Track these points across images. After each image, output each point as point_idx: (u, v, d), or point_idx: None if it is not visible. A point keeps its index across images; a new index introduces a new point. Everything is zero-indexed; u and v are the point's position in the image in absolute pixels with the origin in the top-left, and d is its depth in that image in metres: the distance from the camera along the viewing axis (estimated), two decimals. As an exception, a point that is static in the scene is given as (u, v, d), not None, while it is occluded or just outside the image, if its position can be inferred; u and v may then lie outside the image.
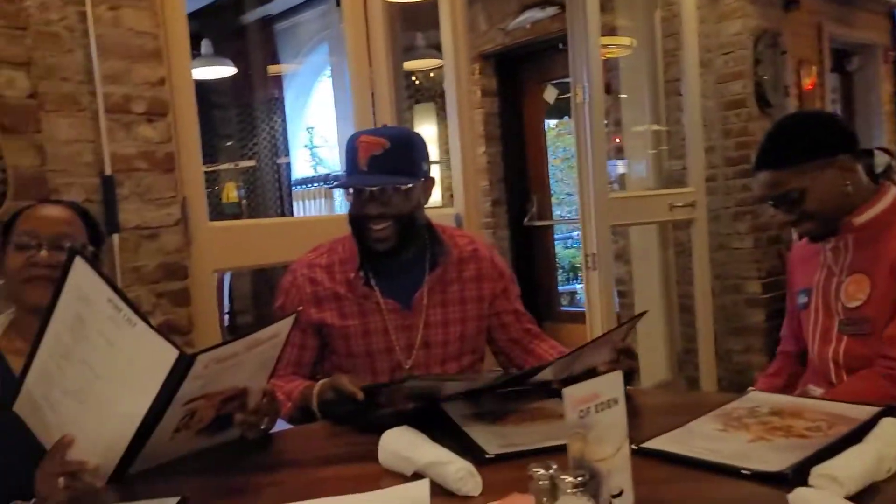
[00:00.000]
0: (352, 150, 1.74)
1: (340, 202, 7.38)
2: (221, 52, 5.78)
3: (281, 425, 1.60)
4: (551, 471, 0.90)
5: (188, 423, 1.35)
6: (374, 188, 1.72)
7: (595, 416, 0.94)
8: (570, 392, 0.92)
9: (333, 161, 9.05)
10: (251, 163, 7.74)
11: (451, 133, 2.65)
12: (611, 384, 0.97)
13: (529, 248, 5.83)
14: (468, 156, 2.63)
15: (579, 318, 5.14)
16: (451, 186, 2.88)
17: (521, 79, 5.78)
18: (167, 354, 1.20)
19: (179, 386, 1.24)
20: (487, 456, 1.27)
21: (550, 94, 5.53)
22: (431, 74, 5.95)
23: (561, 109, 5.55)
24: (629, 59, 4.40)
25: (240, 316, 6.88)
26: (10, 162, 1.92)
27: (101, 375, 1.25)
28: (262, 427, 1.49)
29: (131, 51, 2.26)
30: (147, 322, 1.21)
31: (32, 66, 2.01)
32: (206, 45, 5.52)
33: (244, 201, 7.82)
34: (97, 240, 1.63)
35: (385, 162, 1.70)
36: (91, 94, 2.18)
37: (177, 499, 1.21)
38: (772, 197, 1.76)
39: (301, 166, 8.10)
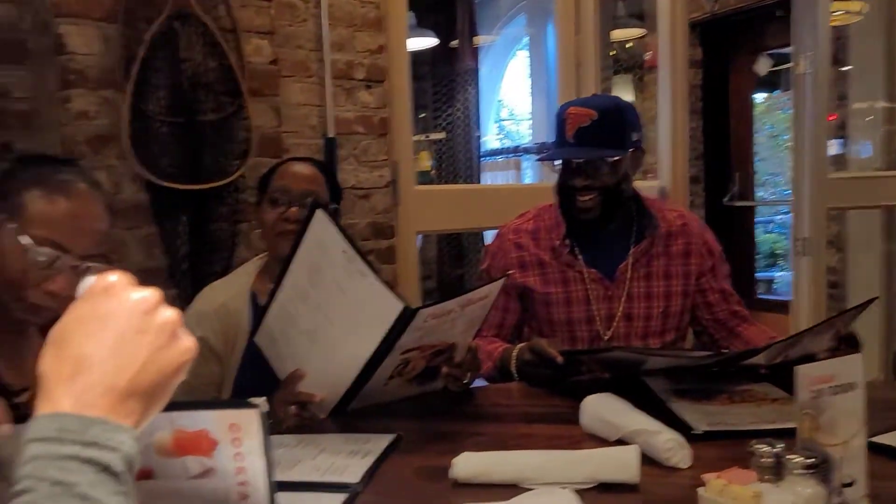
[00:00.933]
0: (560, 122, 1.74)
1: (530, 174, 7.40)
2: (424, 24, 5.97)
3: (478, 383, 1.67)
4: (776, 449, 0.86)
5: (401, 371, 1.44)
6: (580, 160, 1.72)
7: (829, 398, 0.89)
8: (804, 371, 0.88)
9: (521, 134, 9.10)
10: (441, 135, 7.96)
11: (661, 104, 2.56)
12: (849, 367, 0.91)
13: (727, 230, 5.51)
14: (678, 128, 2.54)
15: (777, 307, 4.82)
16: (646, 160, 2.79)
17: (728, 49, 5.43)
18: (393, 306, 1.28)
19: (400, 336, 1.32)
20: (694, 432, 1.24)
21: (763, 66, 5.16)
22: (628, 45, 5.75)
23: (772, 82, 5.17)
24: (859, 27, 3.99)
25: (426, 281, 7.14)
26: (254, 122, 2.14)
27: (332, 320, 1.36)
28: (465, 381, 1.56)
29: (355, 20, 2.40)
30: (376, 275, 1.29)
31: (274, 34, 2.21)
32: (410, 17, 5.72)
33: (433, 172, 8.08)
34: (336, 196, 1.76)
35: (592, 134, 1.69)
36: (319, 61, 2.35)
37: (392, 436, 1.31)
38: None
39: (490, 138, 8.22)
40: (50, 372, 0.55)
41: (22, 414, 1.14)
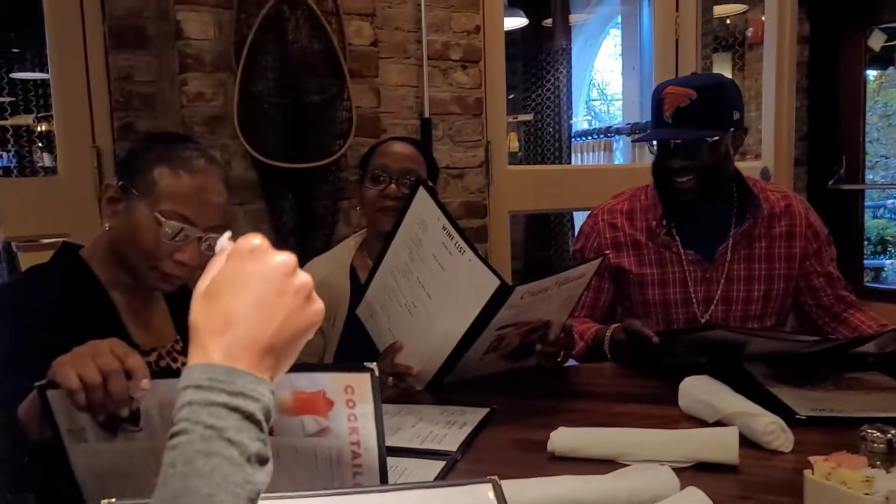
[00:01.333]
0: (657, 102, 1.72)
1: (622, 156, 7.26)
2: (514, 4, 5.91)
3: (569, 363, 1.68)
4: (889, 435, 0.85)
5: (496, 347, 1.47)
6: (677, 141, 1.69)
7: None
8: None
9: (611, 114, 8.91)
10: (528, 116, 7.90)
11: (766, 81, 2.47)
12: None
13: (832, 214, 5.24)
14: (783, 107, 2.45)
15: (886, 296, 4.57)
16: (746, 141, 2.69)
17: (839, 23, 5.15)
18: (490, 282, 1.30)
19: (496, 312, 1.34)
20: (798, 417, 1.22)
21: (876, 40, 4.87)
22: (728, 21, 5.53)
23: (886, 58, 4.87)
24: None
25: (513, 262, 7.13)
26: (354, 102, 2.20)
27: (431, 294, 1.40)
28: (558, 360, 1.58)
29: (452, 1, 2.42)
30: (475, 251, 1.32)
31: (374, 16, 2.26)
32: (503, -3, 5.67)
33: (520, 153, 8.03)
34: (433, 175, 1.80)
35: (691, 114, 1.65)
36: (417, 42, 2.39)
37: (487, 409, 1.35)
38: None
39: (578, 119, 8.09)
40: (202, 323, 0.60)
41: (152, 372, 1.24)
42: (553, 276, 1.39)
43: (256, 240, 0.63)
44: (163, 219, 1.22)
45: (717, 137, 1.66)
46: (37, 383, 0.89)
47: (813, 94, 5.18)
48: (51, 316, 1.15)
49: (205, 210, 1.25)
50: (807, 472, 0.87)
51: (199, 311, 0.61)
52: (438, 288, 1.38)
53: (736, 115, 1.71)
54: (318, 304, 0.66)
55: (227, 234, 0.69)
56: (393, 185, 1.69)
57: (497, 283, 1.30)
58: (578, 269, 1.45)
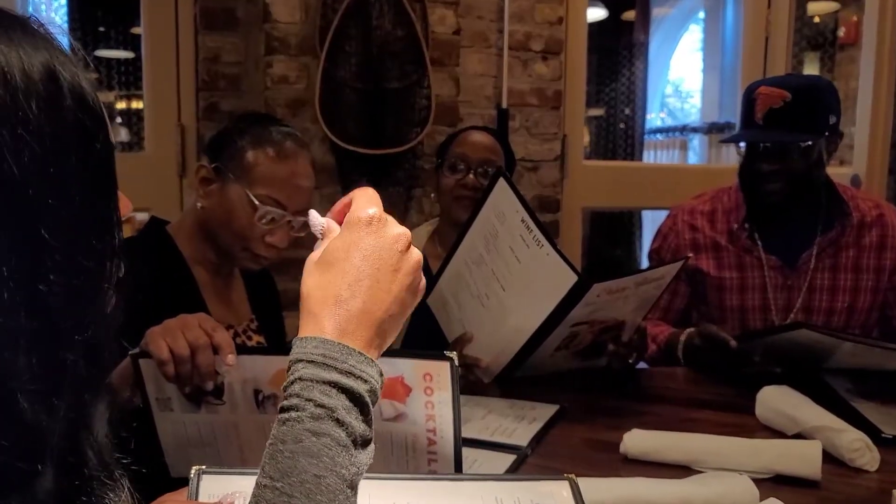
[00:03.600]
0: (748, 102, 1.66)
1: (696, 155, 7.07)
2: (592, -4, 5.82)
3: (640, 366, 1.65)
4: None
5: (568, 344, 1.46)
6: (768, 144, 1.63)
7: None
8: None
9: (687, 112, 8.69)
10: (599, 111, 7.78)
11: (863, 84, 2.37)
12: None
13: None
14: (880, 112, 2.34)
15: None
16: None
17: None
18: (567, 278, 1.28)
19: (571, 308, 1.32)
20: (884, 436, 1.18)
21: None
22: (816, 20, 5.32)
23: None
24: None
25: (581, 259, 7.03)
26: (434, 90, 2.20)
27: (505, 286, 1.39)
28: (630, 361, 1.56)
29: (537, -10, 2.40)
30: (553, 245, 1.30)
31: (458, 4, 2.26)
32: (584, -11, 5.59)
33: (589, 148, 7.90)
34: (511, 167, 1.80)
35: (784, 116, 1.59)
36: (499, 31, 2.37)
37: (557, 406, 1.34)
38: None
39: (651, 116, 7.91)
40: (315, 293, 0.59)
41: (237, 348, 1.27)
42: (632, 276, 1.36)
43: (373, 209, 0.62)
44: (258, 203, 1.25)
45: (809, 143, 1.60)
46: (130, 352, 0.92)
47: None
48: (138, 287, 1.19)
49: (296, 195, 1.29)
50: (895, 493, 0.84)
51: (312, 281, 0.59)
52: (513, 281, 1.36)
53: (832, 120, 1.63)
54: (423, 283, 0.64)
55: (313, 213, 0.68)
56: (471, 176, 1.69)
57: (575, 278, 1.28)
58: (659, 271, 1.42)
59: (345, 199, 0.66)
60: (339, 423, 0.54)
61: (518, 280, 1.36)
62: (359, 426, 0.55)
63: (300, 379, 0.55)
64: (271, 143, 1.29)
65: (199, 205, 1.32)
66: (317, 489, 0.51)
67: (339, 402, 0.55)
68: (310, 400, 0.54)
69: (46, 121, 0.44)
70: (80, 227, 0.46)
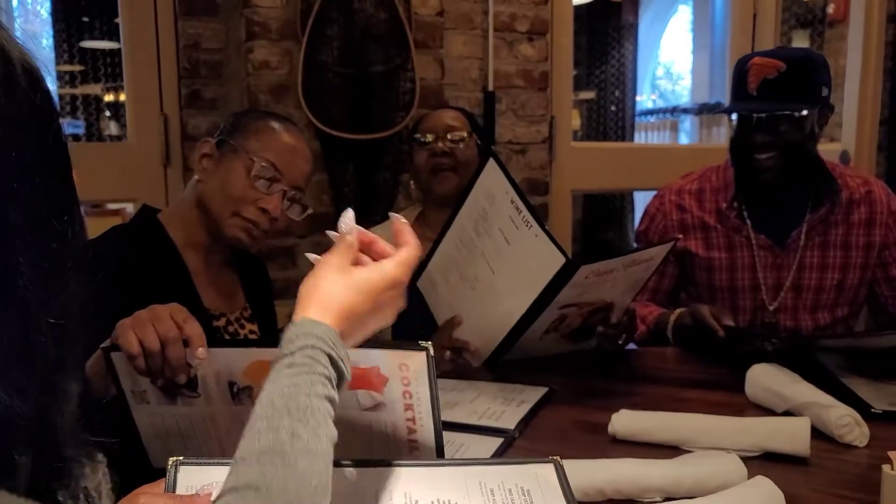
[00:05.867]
0: (741, 73, 1.64)
1: (687, 136, 7.06)
2: (582, -25, 5.76)
3: (629, 346, 1.64)
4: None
5: (557, 327, 1.44)
6: (762, 115, 1.61)
7: None
8: None
9: (677, 93, 8.66)
10: (591, 94, 7.75)
11: (851, 60, 2.35)
12: None
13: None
14: (868, 88, 2.32)
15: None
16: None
17: (927, 2, 4.87)
18: (555, 259, 1.27)
19: (559, 290, 1.31)
20: (873, 411, 1.17)
21: (967, 21, 4.59)
22: (804, -3, 5.29)
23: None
24: None
25: (572, 243, 7.03)
26: (418, 74, 2.18)
27: (494, 269, 1.37)
28: (619, 342, 1.55)
29: (520, -31, 2.37)
30: (542, 226, 1.28)
31: (440, -14, 2.23)
32: (571, -31, 5.55)
33: (581, 131, 7.88)
34: (480, 136, 1.80)
35: (778, 86, 1.57)
36: (483, 13, 2.35)
37: (546, 389, 1.33)
38: None
39: (642, 98, 7.89)
40: (341, 308, 0.70)
41: (219, 337, 1.26)
42: (620, 258, 1.35)
43: (401, 272, 0.76)
44: (255, 158, 1.28)
45: (804, 112, 1.58)
46: (102, 345, 0.90)
47: None
48: (127, 274, 1.18)
49: (293, 168, 1.32)
50: (885, 468, 0.83)
51: (338, 291, 0.71)
52: (503, 263, 1.35)
53: (824, 92, 1.62)
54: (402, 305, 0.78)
55: (350, 214, 0.79)
56: (439, 144, 1.70)
57: (562, 260, 1.26)
58: (647, 252, 1.41)
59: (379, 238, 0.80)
60: (331, 383, 0.66)
61: (507, 262, 1.34)
62: (335, 394, 0.67)
63: (312, 346, 0.65)
64: (275, 118, 1.36)
65: (195, 178, 1.33)
66: (323, 423, 0.62)
67: (332, 371, 0.66)
68: (318, 362, 0.65)
69: (5, 103, 0.42)
70: (43, 208, 0.45)
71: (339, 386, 0.67)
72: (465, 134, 1.72)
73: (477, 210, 1.36)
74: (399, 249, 0.78)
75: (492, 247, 1.35)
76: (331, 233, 0.78)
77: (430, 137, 1.72)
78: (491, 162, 1.33)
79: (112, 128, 5.47)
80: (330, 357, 0.66)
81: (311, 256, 0.78)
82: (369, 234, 0.79)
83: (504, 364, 1.46)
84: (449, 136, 1.71)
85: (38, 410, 0.43)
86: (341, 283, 0.71)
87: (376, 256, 0.78)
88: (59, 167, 0.48)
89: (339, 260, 0.74)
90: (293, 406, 0.61)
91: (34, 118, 0.45)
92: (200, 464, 0.76)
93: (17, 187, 0.42)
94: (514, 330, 1.39)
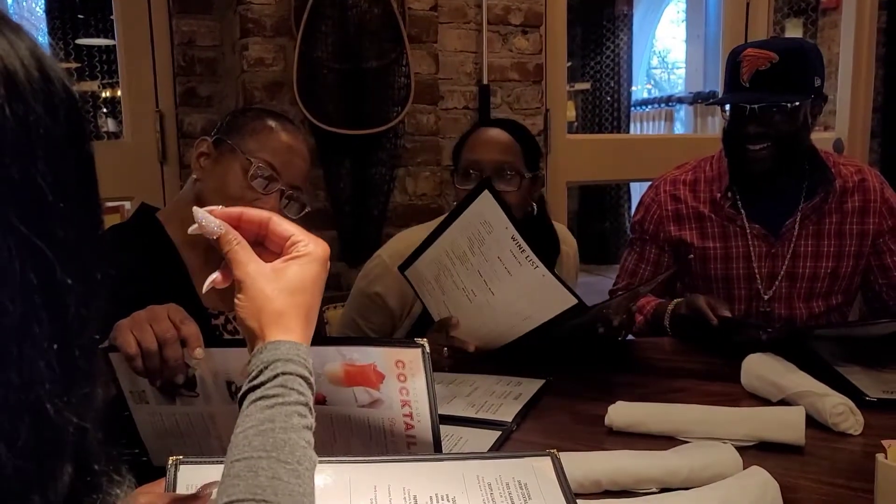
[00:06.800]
0: (733, 65, 1.64)
1: (683, 126, 7.07)
2: (576, -33, 5.76)
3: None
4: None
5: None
6: (754, 106, 1.62)
7: None
8: None
9: (672, 83, 8.67)
10: (586, 85, 7.73)
11: (844, 48, 2.36)
12: None
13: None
14: (861, 76, 2.33)
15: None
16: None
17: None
18: (566, 299, 1.26)
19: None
20: (868, 399, 1.18)
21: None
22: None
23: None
24: None
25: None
26: (413, 69, 2.18)
27: (495, 291, 1.34)
28: (619, 338, 1.56)
29: (513, -37, 2.37)
30: (547, 267, 1.26)
31: (434, -20, 2.23)
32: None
33: (577, 122, 7.88)
34: (534, 161, 1.65)
35: (771, 78, 1.58)
36: (477, 6, 2.35)
37: (543, 380, 1.34)
38: None
39: (638, 88, 7.88)
40: (290, 311, 0.68)
41: (217, 335, 1.26)
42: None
43: (326, 247, 0.72)
44: (252, 159, 1.26)
45: (797, 103, 1.59)
46: (101, 346, 0.91)
47: (889, 63, 4.94)
48: (126, 273, 1.18)
49: (291, 167, 1.30)
50: (879, 457, 0.84)
51: (283, 299, 0.68)
52: (504, 289, 1.32)
53: (817, 82, 1.62)
54: None
55: (201, 213, 0.73)
56: None
57: (574, 301, 1.25)
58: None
59: (244, 214, 0.73)
60: (309, 410, 0.64)
61: (509, 290, 1.31)
62: (313, 419, 0.65)
63: (283, 373, 0.64)
64: (274, 117, 1.33)
65: (193, 177, 1.32)
66: (304, 458, 0.61)
67: (308, 393, 0.65)
68: (293, 389, 0.64)
69: (49, 120, 0.43)
70: (82, 223, 0.46)
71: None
72: (513, 173, 1.56)
73: (471, 231, 1.33)
74: (288, 226, 0.72)
75: (490, 271, 1.32)
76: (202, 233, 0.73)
77: (474, 175, 1.57)
78: (485, 194, 1.29)
79: (109, 125, 5.46)
80: (304, 378, 0.64)
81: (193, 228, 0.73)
82: (231, 211, 0.73)
83: (502, 356, 1.46)
84: (498, 182, 1.51)
85: (76, 423, 0.43)
86: (283, 292, 0.68)
87: (277, 238, 0.72)
88: (92, 180, 0.48)
89: (256, 266, 0.69)
90: (270, 444, 0.59)
91: (74, 134, 0.45)
92: (200, 463, 0.77)
93: (61, 205, 0.43)
94: (514, 342, 1.39)
